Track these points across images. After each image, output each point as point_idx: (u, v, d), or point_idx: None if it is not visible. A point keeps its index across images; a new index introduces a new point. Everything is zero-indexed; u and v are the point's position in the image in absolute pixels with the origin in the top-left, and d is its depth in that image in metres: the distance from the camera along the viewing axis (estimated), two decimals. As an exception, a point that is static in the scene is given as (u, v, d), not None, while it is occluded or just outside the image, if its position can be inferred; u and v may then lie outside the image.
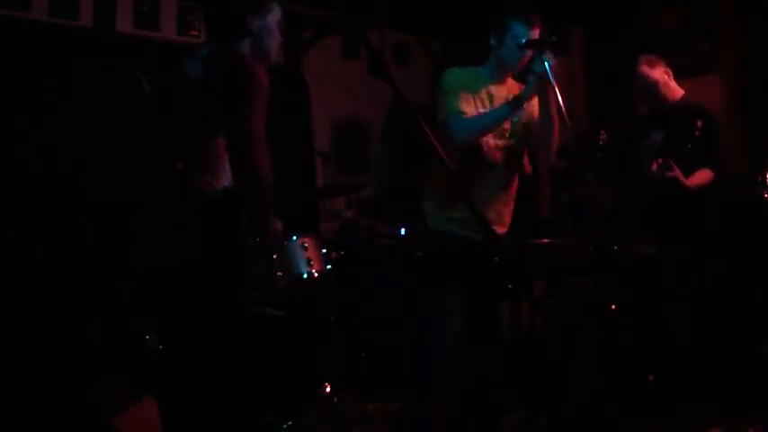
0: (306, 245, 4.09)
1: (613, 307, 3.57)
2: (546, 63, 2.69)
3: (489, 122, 2.90)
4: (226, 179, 2.36)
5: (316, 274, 4.05)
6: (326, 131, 5.97)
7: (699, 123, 3.32)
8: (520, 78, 3.05)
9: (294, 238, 4.09)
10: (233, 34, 2.44)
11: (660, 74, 3.80)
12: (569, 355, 3.51)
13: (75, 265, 4.22)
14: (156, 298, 2.50)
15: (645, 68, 3.81)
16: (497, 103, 2.94)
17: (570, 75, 5.78)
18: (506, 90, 3.03)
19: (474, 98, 2.92)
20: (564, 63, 5.64)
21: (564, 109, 2.72)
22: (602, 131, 3.77)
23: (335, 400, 3.86)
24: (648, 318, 3.71)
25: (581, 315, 3.57)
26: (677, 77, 3.85)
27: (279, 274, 4.01)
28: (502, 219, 3.00)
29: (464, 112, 2.87)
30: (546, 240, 3.32)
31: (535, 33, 2.87)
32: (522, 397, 3.59)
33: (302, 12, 5.60)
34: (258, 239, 2.46)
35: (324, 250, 4.19)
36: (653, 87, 3.78)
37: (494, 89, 2.99)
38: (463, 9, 5.75)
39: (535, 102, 2.93)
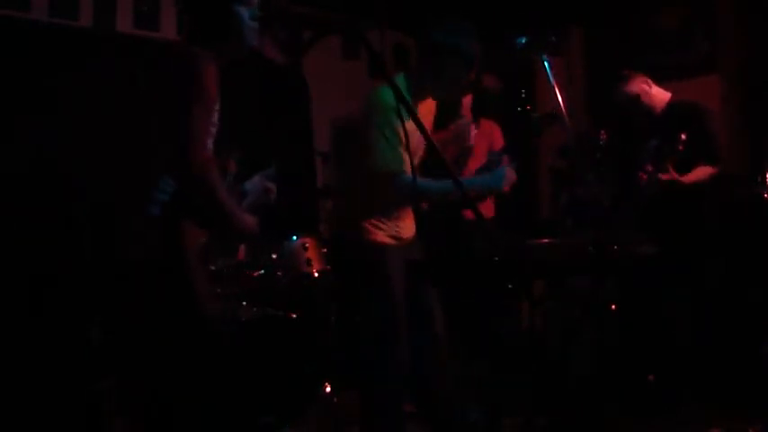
0: (306, 245, 4.10)
1: (613, 307, 3.57)
2: (546, 63, 2.69)
3: (433, 196, 2.89)
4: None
5: (316, 274, 4.06)
6: (326, 131, 5.97)
7: (682, 136, 3.34)
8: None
9: (294, 238, 4.10)
10: (207, 32, 2.39)
11: (638, 85, 3.82)
12: (569, 355, 3.51)
13: (75, 266, 4.22)
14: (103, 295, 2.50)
15: (621, 86, 3.84)
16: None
17: (570, 75, 5.78)
18: (427, 108, 3.04)
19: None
20: (564, 63, 5.67)
21: (564, 109, 2.72)
22: (602, 131, 3.77)
23: (335, 400, 3.87)
24: (648, 318, 3.71)
25: (581, 315, 3.57)
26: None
27: (279, 273, 4.02)
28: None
29: (404, 171, 2.80)
30: (546, 240, 3.32)
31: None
32: (522, 397, 3.59)
33: (302, 12, 5.60)
34: (219, 239, 2.42)
35: (324, 250, 4.20)
36: (635, 102, 3.81)
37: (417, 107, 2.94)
38: (463, 9, 5.75)
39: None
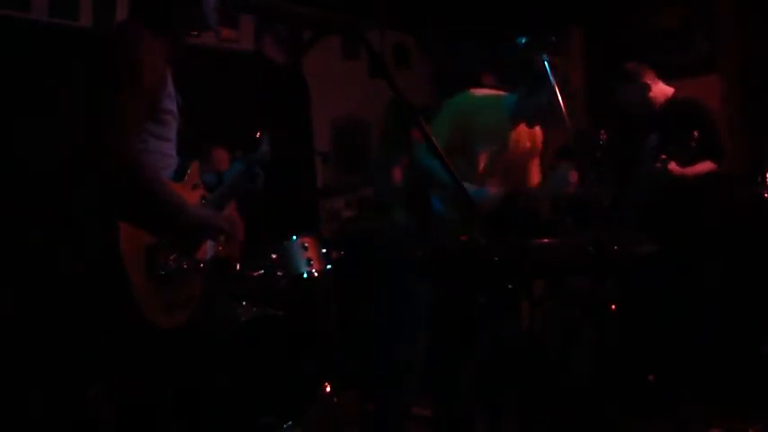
0: (306, 245, 4.09)
1: (613, 307, 3.57)
2: (546, 63, 2.69)
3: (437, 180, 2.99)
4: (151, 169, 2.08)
5: (316, 274, 4.05)
6: (326, 131, 5.97)
7: (695, 134, 3.34)
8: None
9: (294, 237, 4.10)
10: (153, 10, 2.18)
11: (648, 78, 3.80)
12: (569, 355, 3.51)
13: (75, 265, 4.21)
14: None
15: (632, 79, 3.82)
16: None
17: (570, 75, 5.78)
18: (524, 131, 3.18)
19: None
20: (564, 63, 5.67)
21: (564, 109, 2.72)
22: (602, 131, 3.77)
23: (335, 400, 3.87)
24: (648, 318, 3.71)
25: (581, 315, 3.57)
26: (677, 77, 3.85)
27: (279, 273, 4.02)
28: None
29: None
30: (546, 240, 3.31)
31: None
32: (522, 397, 3.59)
33: (302, 12, 5.60)
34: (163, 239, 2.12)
35: (324, 250, 4.20)
36: (643, 95, 3.79)
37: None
38: (463, 9, 5.75)
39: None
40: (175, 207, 2.10)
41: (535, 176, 3.39)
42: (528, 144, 3.24)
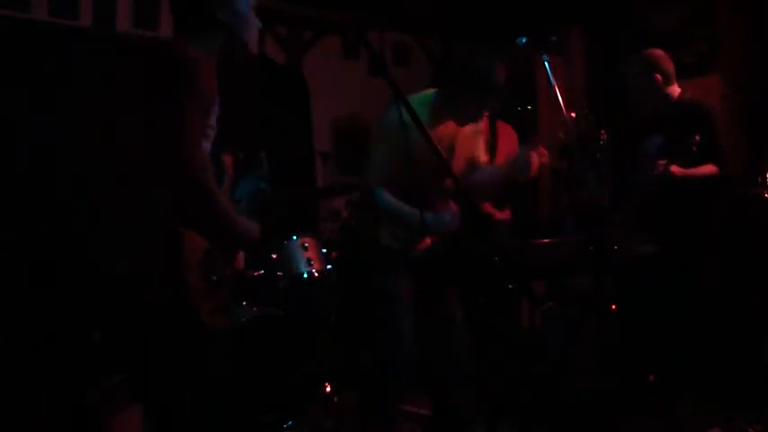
0: (306, 245, 4.10)
1: (613, 307, 3.57)
2: (546, 63, 2.69)
3: (394, 217, 2.94)
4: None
5: (316, 274, 4.06)
6: (326, 131, 5.97)
7: (697, 137, 3.32)
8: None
9: (294, 238, 4.10)
10: (198, 27, 2.26)
11: (668, 70, 3.78)
12: (569, 355, 3.51)
13: (75, 265, 4.22)
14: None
15: (655, 74, 3.77)
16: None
17: (570, 75, 5.78)
18: (449, 129, 3.05)
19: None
20: (564, 63, 5.67)
21: (564, 109, 2.72)
22: (602, 131, 3.77)
23: (335, 400, 3.87)
24: (648, 318, 3.71)
25: (581, 315, 3.57)
26: (677, 77, 3.84)
27: (279, 273, 4.02)
28: None
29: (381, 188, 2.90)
30: (546, 240, 3.32)
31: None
32: (522, 397, 3.59)
33: (302, 12, 5.60)
34: (218, 247, 2.27)
35: (324, 250, 4.20)
36: (656, 89, 3.76)
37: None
38: (463, 9, 5.75)
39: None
40: (230, 217, 2.23)
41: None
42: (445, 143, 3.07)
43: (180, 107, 2.09)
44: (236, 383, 3.00)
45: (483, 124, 3.23)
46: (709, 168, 3.60)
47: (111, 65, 4.49)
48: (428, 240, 3.06)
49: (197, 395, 2.21)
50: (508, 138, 4.27)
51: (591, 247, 3.04)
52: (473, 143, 3.17)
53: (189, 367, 2.19)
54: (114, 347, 2.29)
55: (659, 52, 3.80)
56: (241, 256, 2.37)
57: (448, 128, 3.02)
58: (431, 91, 3.04)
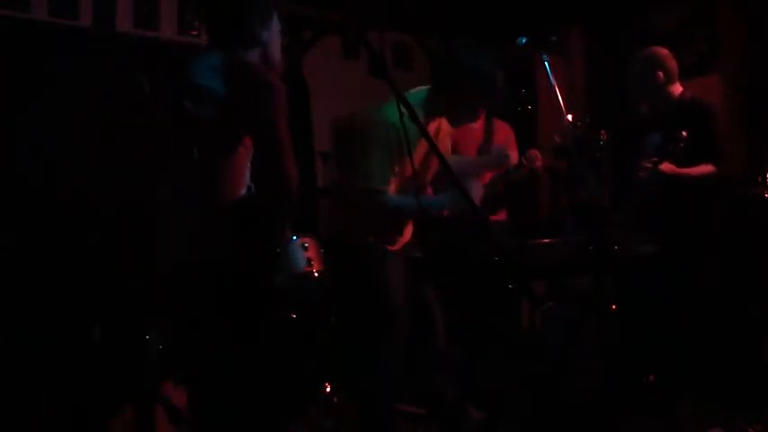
0: (306, 245, 4.09)
1: (613, 307, 3.57)
2: (546, 63, 2.70)
3: (406, 213, 2.96)
4: (244, 186, 2.33)
5: (316, 274, 4.05)
6: (326, 131, 5.97)
7: (684, 133, 3.32)
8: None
9: (294, 238, 4.10)
10: (244, 43, 2.38)
11: (670, 68, 3.78)
12: (569, 355, 3.51)
13: (75, 265, 4.22)
14: (175, 297, 2.41)
15: (657, 72, 3.77)
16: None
17: (570, 75, 5.78)
18: (440, 126, 3.07)
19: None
20: (564, 63, 5.67)
21: (564, 109, 2.72)
22: (602, 131, 3.77)
23: (335, 400, 3.86)
24: (648, 318, 3.71)
25: (581, 315, 3.57)
26: (677, 77, 3.84)
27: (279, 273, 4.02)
28: None
29: (385, 190, 2.90)
30: (546, 240, 3.32)
31: None
32: (522, 397, 3.59)
33: (302, 12, 5.60)
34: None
35: (323, 250, 4.20)
36: (657, 86, 3.76)
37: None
38: (463, 9, 5.75)
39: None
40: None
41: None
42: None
43: (278, 124, 2.25)
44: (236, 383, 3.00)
45: (478, 123, 3.24)
46: (706, 167, 3.60)
47: (119, 65, 4.51)
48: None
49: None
50: (504, 136, 4.28)
51: (591, 247, 3.04)
52: (445, 144, 3.19)
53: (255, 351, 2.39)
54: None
55: (663, 50, 3.80)
56: None
57: (431, 126, 3.03)
58: (422, 88, 3.03)
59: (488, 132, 4.18)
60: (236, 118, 2.26)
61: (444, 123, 3.10)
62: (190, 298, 2.29)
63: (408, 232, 3.16)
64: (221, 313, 2.26)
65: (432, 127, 3.03)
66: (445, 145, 3.18)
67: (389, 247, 3.03)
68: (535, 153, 3.77)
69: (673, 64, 3.78)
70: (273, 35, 2.46)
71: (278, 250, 2.41)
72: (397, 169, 2.83)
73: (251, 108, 2.26)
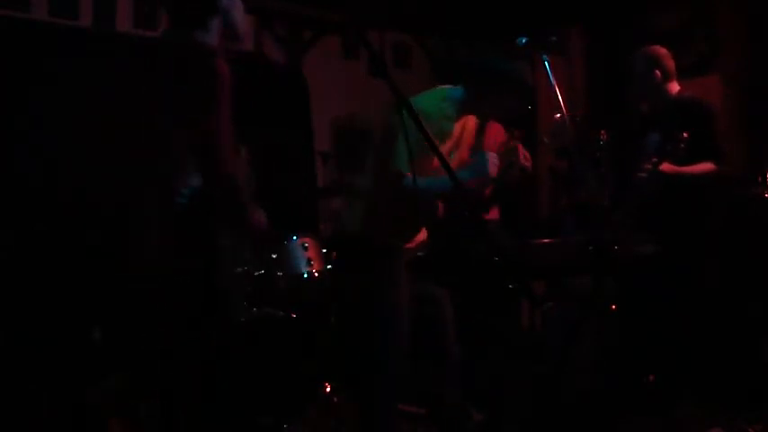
0: (306, 245, 4.09)
1: (613, 307, 3.57)
2: (546, 63, 2.70)
3: (434, 192, 2.94)
4: (193, 181, 2.23)
5: (316, 274, 4.05)
6: (326, 131, 5.97)
7: (684, 135, 3.33)
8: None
9: (294, 238, 4.10)
10: (200, 15, 2.28)
11: (667, 66, 3.79)
12: (569, 355, 3.51)
13: (74, 265, 4.22)
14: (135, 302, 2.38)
15: (655, 71, 3.78)
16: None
17: (570, 75, 5.78)
18: (466, 124, 3.09)
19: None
20: (564, 63, 5.67)
21: (564, 109, 2.73)
22: (602, 131, 3.77)
23: (335, 400, 3.86)
24: (648, 318, 3.71)
25: (581, 315, 3.57)
26: (677, 77, 3.84)
27: (279, 273, 4.02)
28: None
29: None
30: (546, 240, 3.32)
31: None
32: (522, 397, 3.59)
33: (302, 12, 5.60)
34: (239, 236, 2.37)
35: (324, 250, 4.20)
36: (655, 85, 3.77)
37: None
38: (463, 9, 5.75)
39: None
40: (245, 206, 2.30)
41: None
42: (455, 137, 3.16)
43: (214, 105, 2.14)
44: (235, 383, 3.00)
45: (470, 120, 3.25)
46: (705, 166, 3.60)
47: (119, 65, 4.49)
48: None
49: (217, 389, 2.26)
50: (495, 136, 4.29)
51: (591, 247, 3.04)
52: (468, 141, 3.21)
53: (216, 361, 2.25)
54: (142, 346, 2.30)
55: (661, 49, 3.81)
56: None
57: (458, 123, 3.08)
58: (457, 87, 3.10)
59: (480, 133, 4.18)
60: (171, 103, 2.19)
61: (471, 120, 3.15)
62: (144, 302, 2.26)
63: (424, 231, 3.18)
64: (170, 317, 2.21)
65: (458, 124, 3.08)
66: (469, 141, 3.22)
67: (407, 246, 3.05)
68: (525, 152, 3.74)
69: (670, 63, 3.79)
70: (235, 3, 2.35)
71: (219, 249, 2.24)
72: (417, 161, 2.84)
73: (185, 93, 2.17)
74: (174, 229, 2.20)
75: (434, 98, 3.00)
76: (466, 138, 3.17)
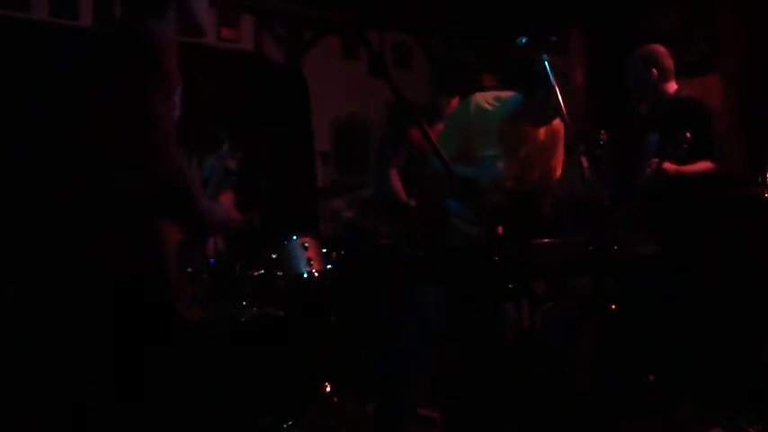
0: (306, 245, 4.10)
1: (613, 307, 3.57)
2: (546, 63, 2.70)
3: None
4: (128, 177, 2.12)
5: (316, 274, 4.06)
6: (326, 131, 5.97)
7: (687, 135, 3.34)
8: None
9: (294, 237, 4.10)
10: (154, 3, 2.17)
11: (665, 64, 3.80)
12: (569, 356, 3.51)
13: (75, 266, 4.21)
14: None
15: (651, 69, 3.79)
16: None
17: (570, 75, 5.78)
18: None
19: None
20: (564, 63, 5.66)
21: (564, 109, 2.73)
22: (602, 131, 3.77)
23: (335, 400, 3.86)
24: (648, 318, 3.71)
25: (581, 315, 3.57)
26: (677, 77, 3.85)
27: (279, 273, 4.02)
28: None
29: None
30: (546, 240, 3.31)
31: None
32: (522, 397, 3.59)
33: (302, 12, 5.60)
34: (191, 236, 2.21)
35: (324, 250, 4.20)
36: (652, 83, 3.78)
37: None
38: (463, 9, 5.75)
39: None
40: (203, 204, 2.16)
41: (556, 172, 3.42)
42: (540, 141, 3.23)
43: (149, 93, 2.00)
44: (234, 383, 3.00)
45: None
46: (705, 165, 3.60)
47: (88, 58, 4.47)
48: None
49: (182, 391, 2.16)
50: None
51: (591, 247, 3.04)
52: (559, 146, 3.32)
53: (171, 363, 2.14)
54: (99, 348, 2.23)
55: (660, 48, 3.82)
56: (210, 244, 2.34)
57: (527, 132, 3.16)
58: (515, 94, 3.18)
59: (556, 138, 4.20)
60: (107, 99, 2.12)
61: (556, 122, 3.22)
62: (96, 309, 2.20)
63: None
64: (125, 323, 2.13)
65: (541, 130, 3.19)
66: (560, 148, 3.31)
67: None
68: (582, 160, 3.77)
69: (668, 61, 3.80)
70: None
71: (159, 254, 2.10)
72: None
73: (121, 87, 2.07)
74: (115, 227, 2.13)
75: (495, 108, 3.11)
76: (554, 142, 3.27)
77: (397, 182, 5.17)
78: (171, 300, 2.07)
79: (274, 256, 4.01)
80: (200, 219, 2.15)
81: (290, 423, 3.60)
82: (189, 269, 2.13)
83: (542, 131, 3.23)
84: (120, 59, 2.10)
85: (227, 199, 2.56)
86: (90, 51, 4.21)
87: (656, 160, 3.46)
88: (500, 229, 3.02)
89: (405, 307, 3.01)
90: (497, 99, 3.20)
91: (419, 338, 2.95)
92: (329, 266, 4.18)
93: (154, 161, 2.01)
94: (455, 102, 4.65)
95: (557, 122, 3.27)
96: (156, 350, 2.13)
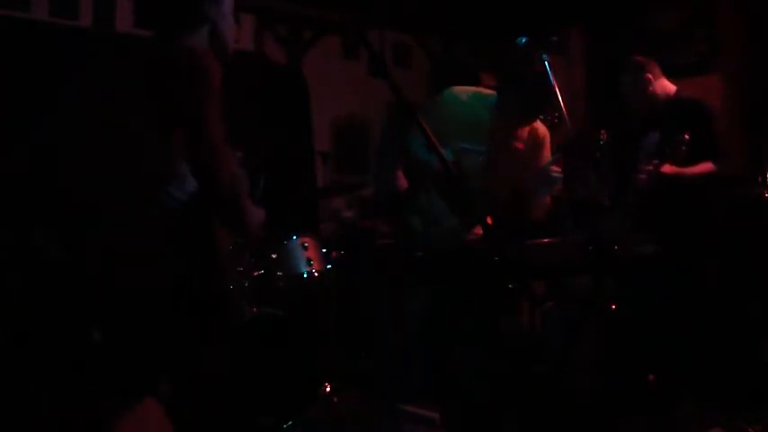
0: (306, 245, 4.10)
1: (613, 307, 3.57)
2: (546, 63, 2.70)
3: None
4: (190, 184, 2.21)
5: (316, 274, 4.06)
6: (326, 131, 5.97)
7: (686, 136, 3.34)
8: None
9: (294, 237, 4.10)
10: (189, 23, 2.26)
11: (651, 70, 3.82)
12: (569, 356, 3.51)
13: (74, 265, 4.22)
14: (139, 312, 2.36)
15: (631, 71, 3.83)
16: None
17: (570, 75, 5.78)
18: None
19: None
20: (564, 63, 5.67)
21: (564, 109, 2.73)
22: (602, 131, 3.77)
23: (335, 400, 3.86)
24: (648, 318, 3.71)
25: (581, 315, 3.57)
26: (677, 77, 3.85)
27: (279, 273, 4.02)
28: None
29: None
30: (546, 240, 3.32)
31: None
32: (522, 397, 3.59)
33: (302, 12, 5.61)
34: (239, 240, 2.35)
35: (324, 250, 4.20)
36: (643, 88, 3.80)
37: None
38: (463, 9, 5.75)
39: None
40: (252, 214, 2.28)
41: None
42: (520, 144, 3.19)
43: (208, 116, 2.11)
44: (235, 383, 3.00)
45: None
46: (705, 166, 3.60)
47: (119, 65, 4.49)
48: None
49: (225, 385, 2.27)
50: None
51: (591, 247, 3.04)
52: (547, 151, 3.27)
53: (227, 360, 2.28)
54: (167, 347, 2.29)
55: (645, 59, 3.86)
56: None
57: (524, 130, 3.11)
58: (490, 92, 3.13)
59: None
60: (159, 107, 2.17)
61: (541, 128, 3.18)
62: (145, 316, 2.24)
63: None
64: (166, 321, 2.20)
65: (524, 131, 3.13)
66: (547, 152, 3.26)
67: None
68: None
69: (655, 68, 3.84)
70: (224, 12, 2.35)
71: (217, 251, 2.24)
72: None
73: (173, 97, 2.14)
74: (167, 232, 2.18)
75: (473, 104, 3.07)
76: (542, 147, 3.22)
77: (404, 182, 5.15)
78: (230, 298, 2.25)
79: (274, 256, 4.01)
80: (249, 225, 2.28)
81: (290, 423, 3.60)
82: (240, 268, 2.24)
83: (523, 140, 3.18)
84: (171, 77, 2.16)
85: None
86: (118, 60, 4.26)
87: (656, 162, 3.46)
88: (489, 220, 3.02)
89: (404, 307, 3.00)
90: (477, 93, 3.16)
91: (418, 338, 2.94)
92: (329, 266, 4.17)
93: (213, 177, 2.12)
94: None
95: (541, 129, 3.23)
96: (217, 348, 2.25)
